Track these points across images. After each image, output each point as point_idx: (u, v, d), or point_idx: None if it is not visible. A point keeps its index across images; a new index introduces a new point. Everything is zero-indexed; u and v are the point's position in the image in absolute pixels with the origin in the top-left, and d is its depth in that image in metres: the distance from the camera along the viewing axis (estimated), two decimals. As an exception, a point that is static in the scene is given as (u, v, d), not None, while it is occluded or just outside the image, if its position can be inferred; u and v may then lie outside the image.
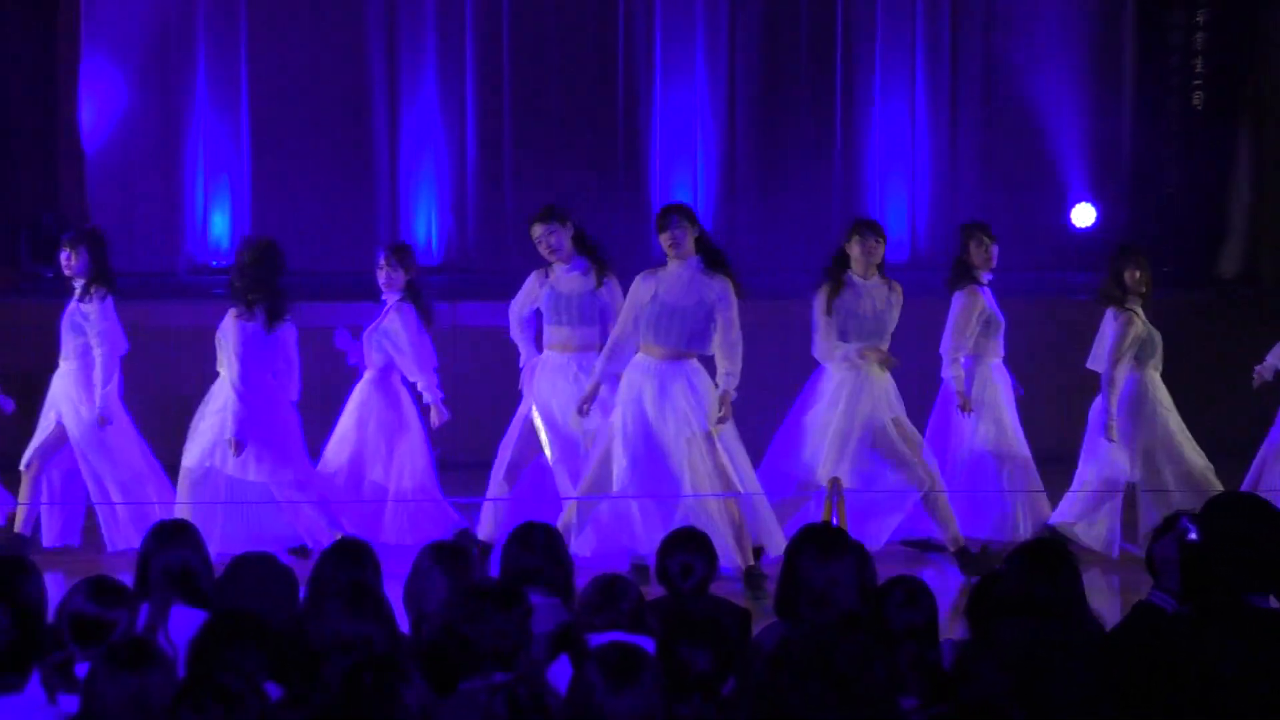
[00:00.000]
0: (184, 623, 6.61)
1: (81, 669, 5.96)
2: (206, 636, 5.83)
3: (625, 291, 11.74)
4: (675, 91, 18.55)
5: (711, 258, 11.50)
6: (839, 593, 6.71)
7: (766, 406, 15.45)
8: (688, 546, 7.44)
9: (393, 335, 12.42)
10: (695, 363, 11.48)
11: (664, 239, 11.53)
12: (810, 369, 12.49)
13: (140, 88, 17.88)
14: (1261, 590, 6.22)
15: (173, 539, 7.09)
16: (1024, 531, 12.21)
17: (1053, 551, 6.70)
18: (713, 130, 18.61)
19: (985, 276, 12.52)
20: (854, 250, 12.03)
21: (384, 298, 12.54)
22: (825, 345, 12.05)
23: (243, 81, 18.15)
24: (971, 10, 18.60)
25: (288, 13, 18.13)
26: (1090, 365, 12.40)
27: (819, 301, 12.05)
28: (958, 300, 12.60)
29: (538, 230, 11.93)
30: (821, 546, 6.86)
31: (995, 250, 12.51)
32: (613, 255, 18.02)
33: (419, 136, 18.38)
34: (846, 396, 11.94)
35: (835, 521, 10.56)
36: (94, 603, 6.33)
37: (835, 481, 11.12)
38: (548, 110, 18.47)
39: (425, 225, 18.25)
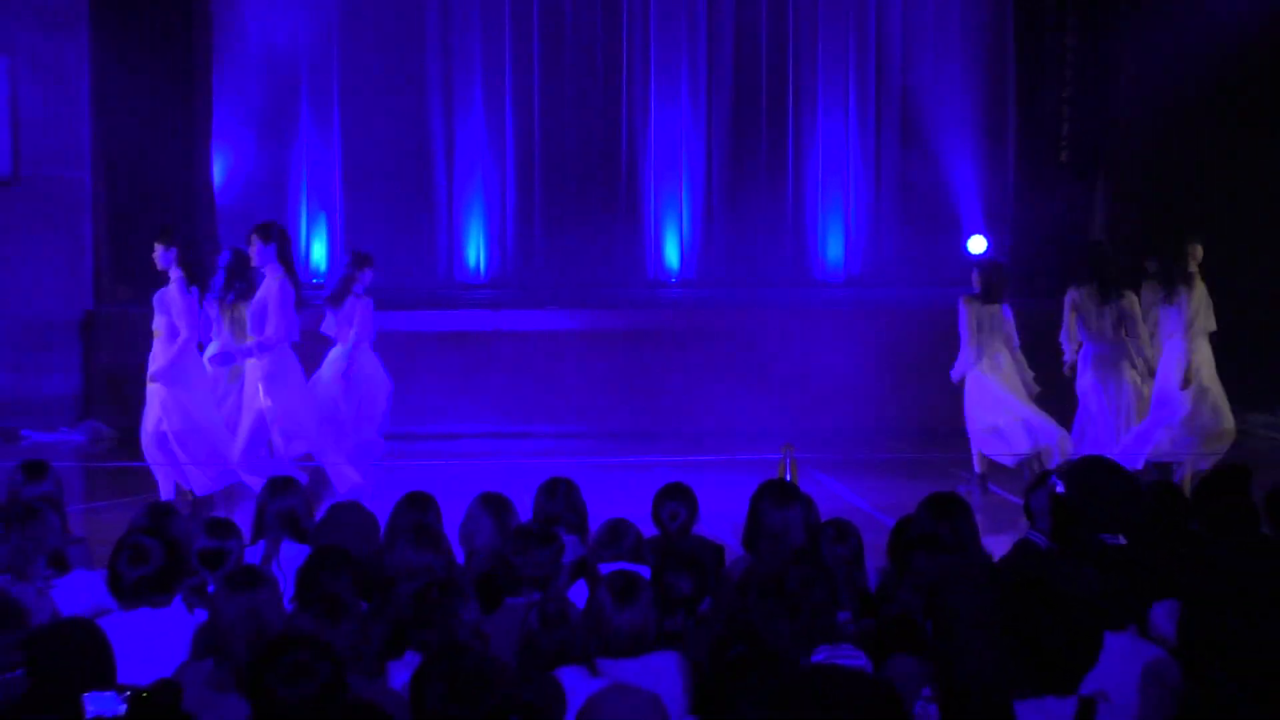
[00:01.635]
0: (292, 556, 6.64)
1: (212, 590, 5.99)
2: (309, 566, 5.86)
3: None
4: (664, 145, 18.53)
5: (287, 266, 11.10)
6: (790, 532, 6.74)
7: (751, 394, 15.51)
8: (675, 497, 7.46)
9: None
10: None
11: (251, 249, 11.20)
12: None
13: (258, 145, 17.89)
14: (1112, 531, 6.25)
15: (283, 491, 7.12)
16: None
17: (952, 501, 6.73)
18: (697, 171, 18.58)
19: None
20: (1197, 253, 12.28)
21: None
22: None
23: (336, 139, 18.13)
24: (891, 84, 18.57)
25: (370, 85, 18.12)
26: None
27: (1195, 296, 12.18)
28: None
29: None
30: (777, 496, 6.90)
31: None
32: (616, 270, 18.05)
33: (469, 181, 18.36)
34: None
35: (789, 477, 10.57)
36: (212, 537, 6.36)
37: (788, 446, 11.11)
38: (567, 164, 18.46)
39: (475, 251, 18.25)
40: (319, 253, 18.22)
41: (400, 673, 5.01)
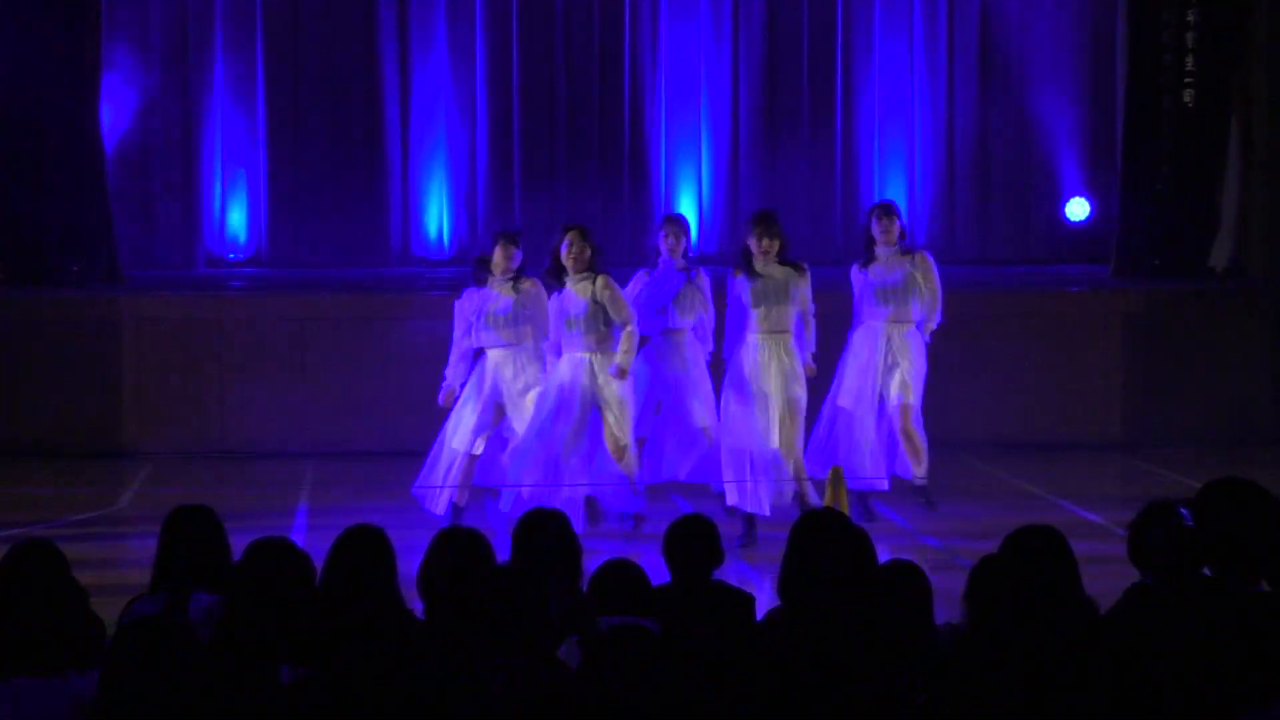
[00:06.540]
0: (203, 607, 6.58)
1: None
2: (224, 621, 5.79)
3: None
4: (679, 82, 18.54)
5: None
6: (838, 574, 6.68)
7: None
8: (693, 533, 7.39)
9: None
10: None
11: None
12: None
13: (159, 86, 17.90)
14: (1252, 577, 6.19)
15: (192, 523, 7.04)
16: None
17: (1049, 536, 6.66)
18: (720, 114, 18.61)
19: None
20: None
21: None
22: None
23: (259, 79, 18.17)
24: (968, 10, 18.57)
25: (303, 12, 18.13)
26: None
27: None
28: None
29: None
30: (822, 531, 6.85)
31: None
32: (620, 246, 18.08)
33: (430, 133, 18.39)
34: None
35: (837, 506, 10.53)
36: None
37: (836, 470, 11.09)
38: (555, 109, 18.47)
39: (437, 219, 18.23)
40: (236, 219, 18.21)
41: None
